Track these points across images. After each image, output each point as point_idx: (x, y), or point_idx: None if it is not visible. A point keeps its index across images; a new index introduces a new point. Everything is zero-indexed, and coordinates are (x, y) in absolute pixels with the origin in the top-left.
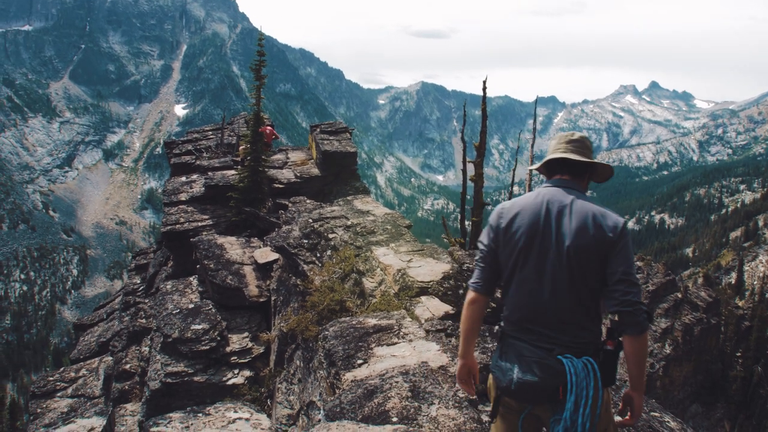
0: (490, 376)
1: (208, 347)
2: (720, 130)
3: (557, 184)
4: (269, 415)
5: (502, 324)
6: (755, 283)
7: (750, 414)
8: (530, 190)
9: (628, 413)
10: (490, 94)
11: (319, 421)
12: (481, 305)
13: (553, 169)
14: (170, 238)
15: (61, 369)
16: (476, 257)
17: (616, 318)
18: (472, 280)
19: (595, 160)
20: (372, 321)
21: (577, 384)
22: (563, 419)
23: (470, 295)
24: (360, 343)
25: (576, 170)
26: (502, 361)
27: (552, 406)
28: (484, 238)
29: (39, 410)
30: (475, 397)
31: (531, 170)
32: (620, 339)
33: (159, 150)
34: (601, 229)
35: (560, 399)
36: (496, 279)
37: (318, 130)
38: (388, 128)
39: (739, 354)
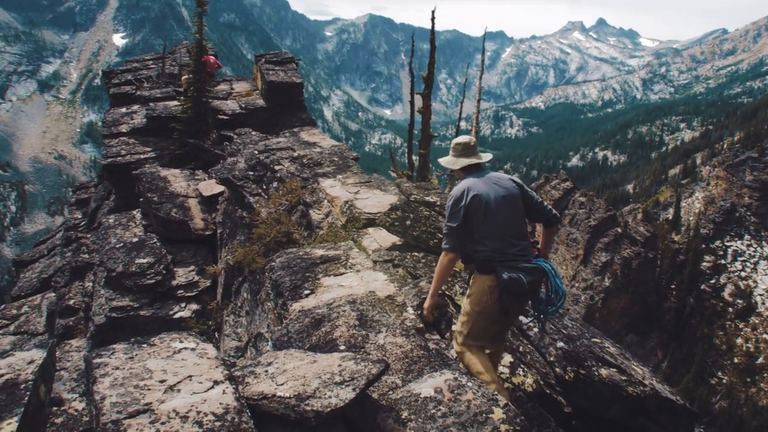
0: (491, 283)
1: (153, 281)
2: (663, 69)
3: (486, 171)
4: (217, 347)
5: (486, 257)
6: (691, 219)
7: (681, 343)
8: (477, 125)
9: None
10: (438, 27)
11: (267, 351)
12: (455, 260)
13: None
14: (111, 171)
15: (2, 306)
16: (445, 231)
17: (548, 219)
18: (448, 246)
19: (485, 157)
20: (319, 252)
21: (553, 274)
22: (554, 290)
23: (449, 255)
24: (307, 274)
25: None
26: (512, 276)
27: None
28: (453, 217)
29: None
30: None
31: (477, 111)
32: (539, 247)
33: (98, 81)
34: (515, 184)
35: (544, 284)
36: (464, 239)
37: (263, 60)
38: (336, 61)
39: (673, 286)
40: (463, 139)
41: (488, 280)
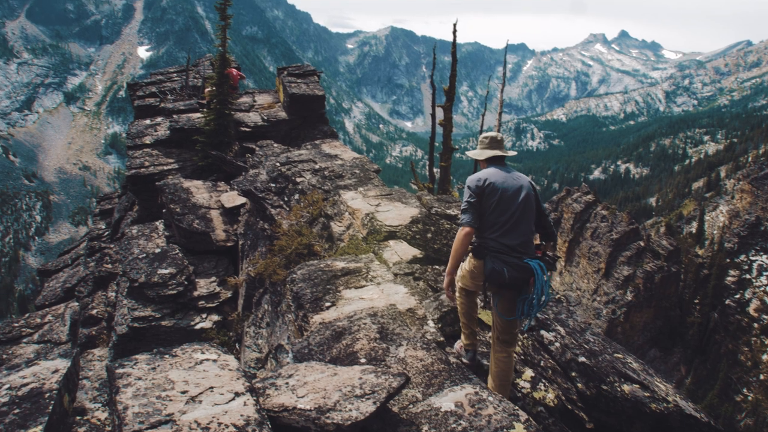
0: (480, 268)
1: (175, 291)
2: (687, 81)
3: (509, 168)
4: (237, 359)
5: (482, 244)
6: (715, 232)
7: (705, 358)
8: None
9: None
10: (459, 40)
11: (288, 363)
12: (471, 235)
13: (492, 157)
14: (135, 182)
15: (27, 315)
16: (463, 207)
17: (545, 234)
18: (465, 221)
19: (510, 153)
20: (340, 264)
21: (540, 275)
22: (535, 294)
23: (466, 229)
24: (328, 286)
25: (504, 158)
26: (496, 267)
27: (520, 290)
28: (470, 196)
29: (5, 356)
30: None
31: (498, 123)
32: (542, 249)
33: (122, 93)
34: (532, 185)
35: (530, 284)
36: (479, 219)
37: (285, 72)
38: (357, 73)
39: (697, 301)
40: (491, 133)
41: (478, 264)
